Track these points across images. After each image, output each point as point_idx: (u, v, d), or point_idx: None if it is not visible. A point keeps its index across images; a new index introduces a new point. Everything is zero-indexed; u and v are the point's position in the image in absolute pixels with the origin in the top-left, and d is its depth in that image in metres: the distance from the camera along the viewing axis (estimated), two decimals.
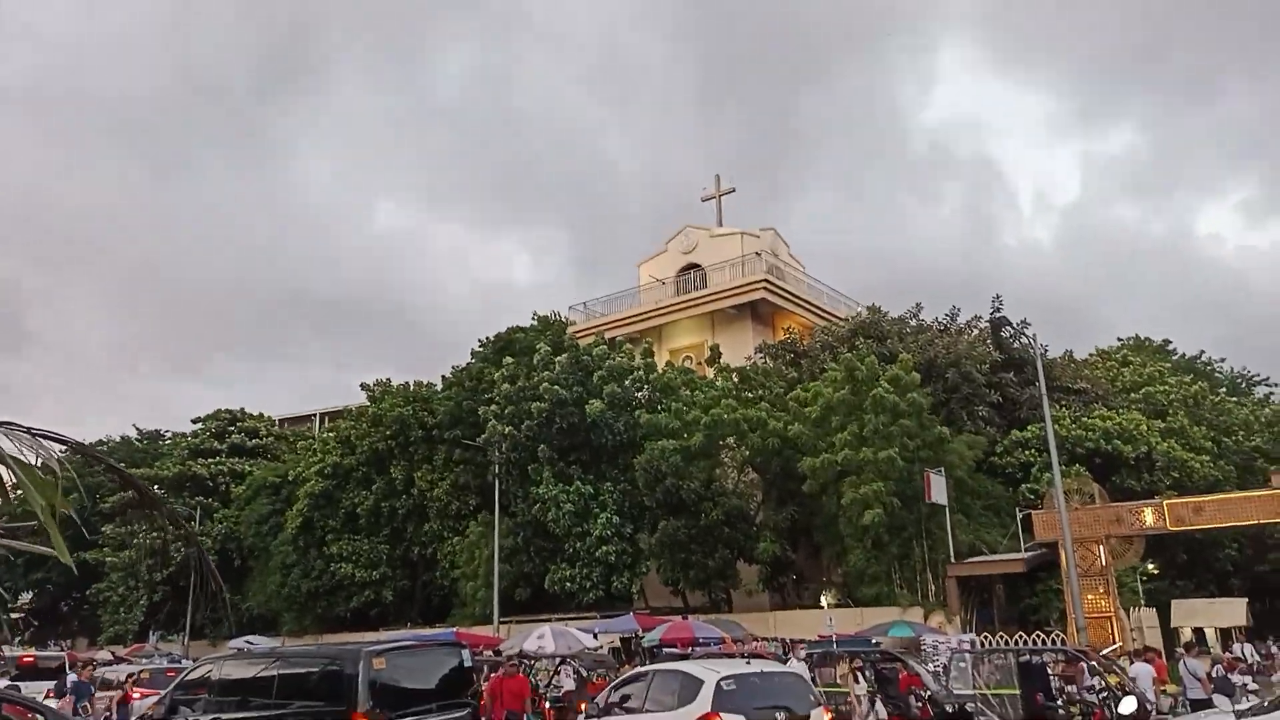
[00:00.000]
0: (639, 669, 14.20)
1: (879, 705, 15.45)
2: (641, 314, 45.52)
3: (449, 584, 36.70)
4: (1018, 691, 14.27)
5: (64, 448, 3.13)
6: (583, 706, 17.02)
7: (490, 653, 23.33)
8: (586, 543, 31.07)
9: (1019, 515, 27.82)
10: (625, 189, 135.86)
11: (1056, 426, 26.43)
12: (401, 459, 39.12)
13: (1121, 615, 24.96)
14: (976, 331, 35.87)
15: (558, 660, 21.38)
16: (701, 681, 10.65)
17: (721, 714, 10.07)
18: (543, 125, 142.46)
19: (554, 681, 21.01)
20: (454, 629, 29.28)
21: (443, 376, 41.23)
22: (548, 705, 19.14)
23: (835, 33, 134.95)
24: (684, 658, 18.28)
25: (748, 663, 12.09)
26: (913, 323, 36.74)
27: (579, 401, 32.69)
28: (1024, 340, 34.60)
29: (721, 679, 10.59)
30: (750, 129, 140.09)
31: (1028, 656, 15.46)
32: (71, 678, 19.62)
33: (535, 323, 40.91)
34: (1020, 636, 21.42)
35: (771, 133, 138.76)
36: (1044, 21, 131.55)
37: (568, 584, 31.26)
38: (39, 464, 3.11)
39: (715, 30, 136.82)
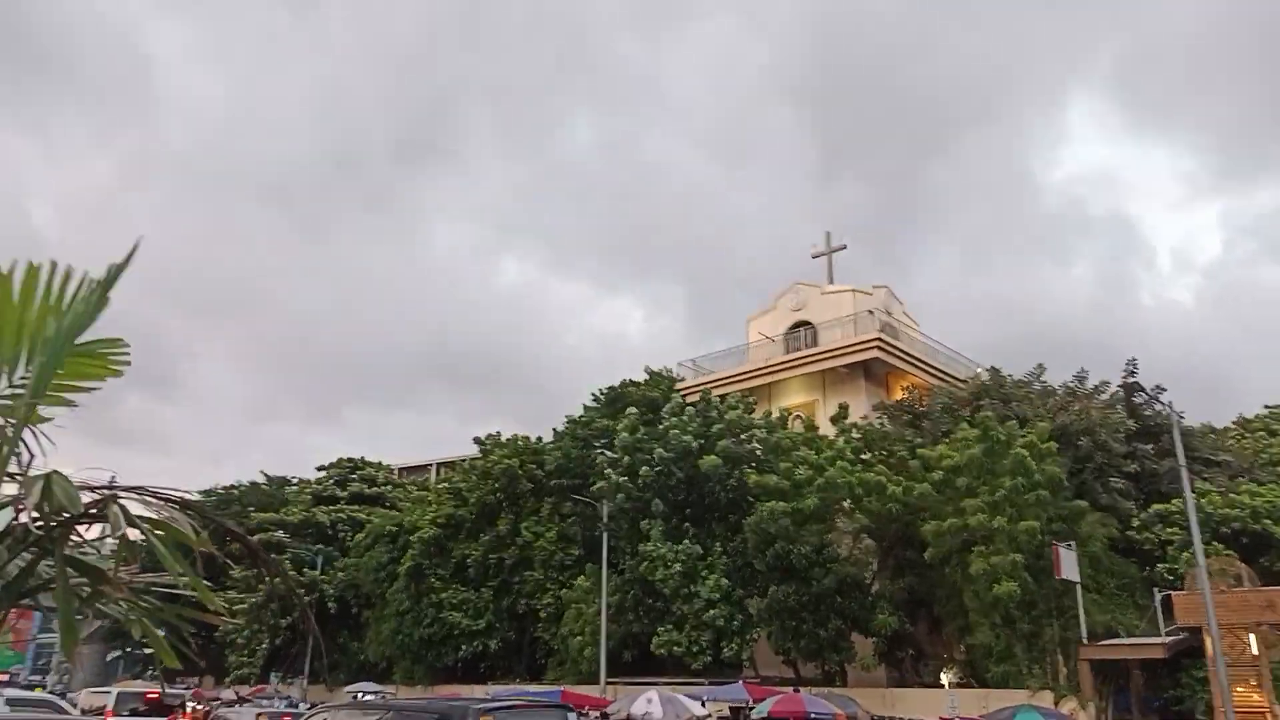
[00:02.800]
0: None
1: None
2: (750, 371, 45.00)
3: (551, 637, 36.76)
4: None
5: (184, 509, 3.50)
6: None
7: (596, 714, 23.16)
8: (694, 605, 30.62)
9: (1157, 596, 26.05)
10: (742, 252, 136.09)
11: (1201, 501, 24.78)
12: (509, 511, 39.69)
13: (1277, 711, 22.92)
14: (1107, 396, 34.14)
15: None
16: None
17: None
18: (665, 188, 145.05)
19: None
20: (560, 687, 29.24)
21: (554, 430, 41.81)
22: None
23: (961, 98, 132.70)
24: None
25: None
26: (1036, 386, 35.26)
27: (700, 453, 32.54)
28: (1158, 407, 32.77)
29: None
30: (871, 194, 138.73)
31: None
32: None
33: (647, 378, 41.18)
34: None
35: (892, 197, 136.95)
36: (1178, 77, 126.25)
37: (675, 647, 30.82)
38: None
39: (838, 99, 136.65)
